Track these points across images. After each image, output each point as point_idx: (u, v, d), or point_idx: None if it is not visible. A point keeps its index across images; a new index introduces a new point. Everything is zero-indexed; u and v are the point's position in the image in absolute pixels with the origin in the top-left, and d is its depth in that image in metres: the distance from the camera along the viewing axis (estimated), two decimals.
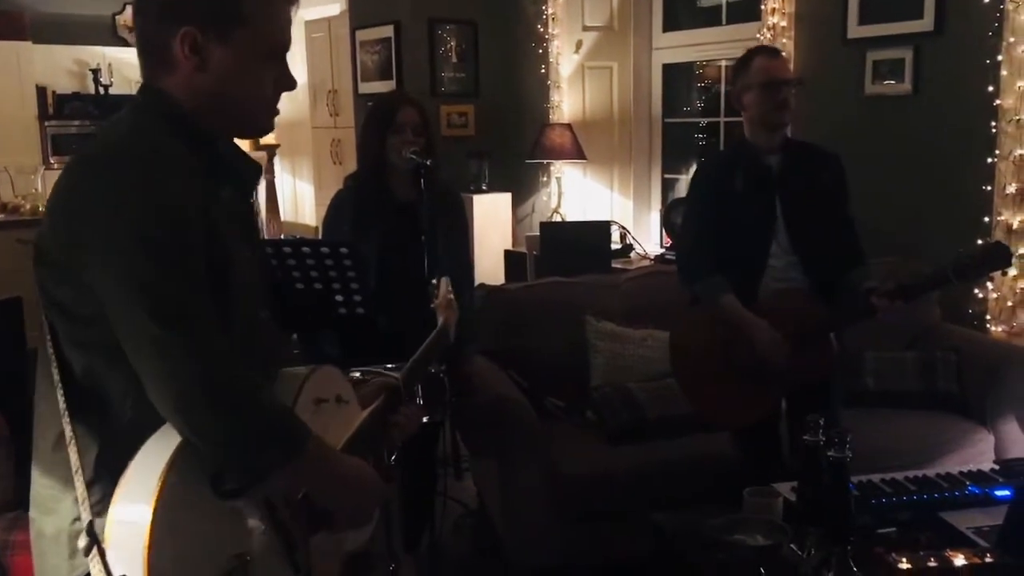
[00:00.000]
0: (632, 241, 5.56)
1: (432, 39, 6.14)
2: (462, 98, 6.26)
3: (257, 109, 1.49)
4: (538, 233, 5.41)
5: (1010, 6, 3.60)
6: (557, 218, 5.81)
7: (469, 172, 6.05)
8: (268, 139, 8.10)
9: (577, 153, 5.66)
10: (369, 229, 2.96)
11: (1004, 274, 3.57)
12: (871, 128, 4.22)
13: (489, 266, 5.74)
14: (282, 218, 8.52)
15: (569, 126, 5.73)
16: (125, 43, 7.95)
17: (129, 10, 7.51)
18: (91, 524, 1.33)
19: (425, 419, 1.86)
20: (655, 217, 5.92)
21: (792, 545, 2.01)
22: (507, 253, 5.97)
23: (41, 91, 7.87)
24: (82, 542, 1.33)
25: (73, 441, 1.36)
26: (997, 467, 2.51)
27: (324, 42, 7.42)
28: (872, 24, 4.16)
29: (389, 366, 1.81)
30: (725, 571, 2.01)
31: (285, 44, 1.49)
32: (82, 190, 1.34)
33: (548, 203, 6.04)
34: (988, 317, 3.78)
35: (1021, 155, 3.63)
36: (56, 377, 1.38)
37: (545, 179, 6.07)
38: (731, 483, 2.42)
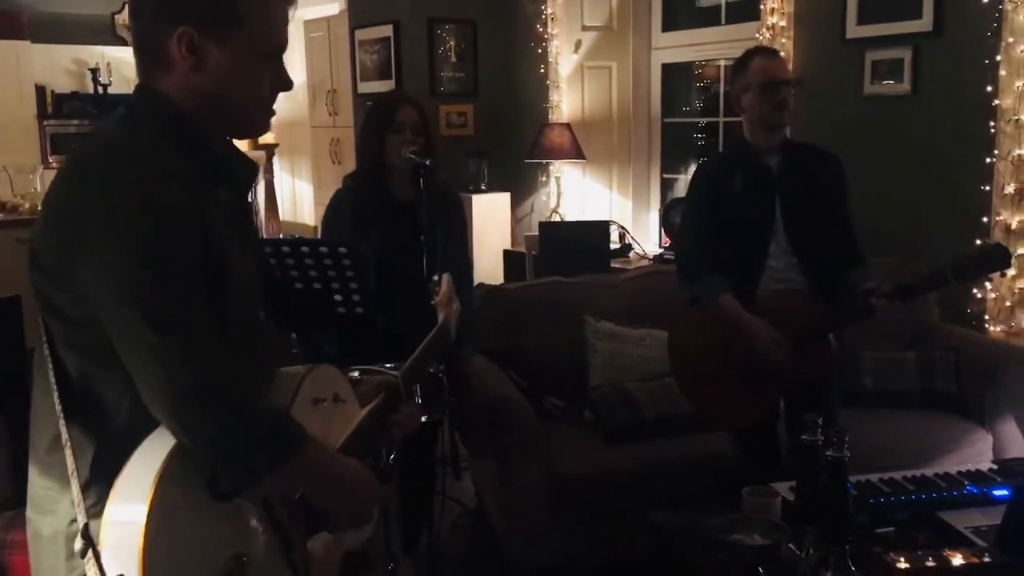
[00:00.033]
0: (631, 241, 5.56)
1: (431, 39, 6.14)
2: (461, 98, 6.26)
3: (254, 109, 1.48)
4: (537, 233, 5.41)
5: (1009, 6, 3.60)
6: (556, 218, 5.82)
7: (468, 172, 6.05)
8: (267, 138, 8.10)
9: (576, 153, 5.66)
10: (368, 229, 2.96)
11: (1003, 275, 3.57)
12: (870, 128, 4.22)
13: (488, 266, 5.74)
14: (281, 218, 8.52)
15: (568, 126, 5.73)
16: (124, 42, 7.95)
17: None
18: (86, 527, 1.33)
19: (424, 419, 1.85)
20: (654, 217, 5.92)
21: (790, 545, 2.01)
22: (506, 253, 5.97)
23: (40, 90, 7.87)
24: (78, 545, 1.32)
25: (68, 444, 1.36)
26: (995, 467, 2.52)
27: (323, 41, 7.42)
28: (871, 24, 4.16)
29: (388, 366, 1.80)
30: (724, 571, 2.01)
31: (282, 44, 1.48)
32: (75, 193, 1.33)
33: (547, 203, 6.04)
34: (987, 317, 3.78)
35: (1019, 155, 3.63)
36: (52, 379, 1.38)
37: (544, 179, 6.08)
38: (730, 483, 2.42)
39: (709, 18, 5.56)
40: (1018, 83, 3.61)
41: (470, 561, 3.57)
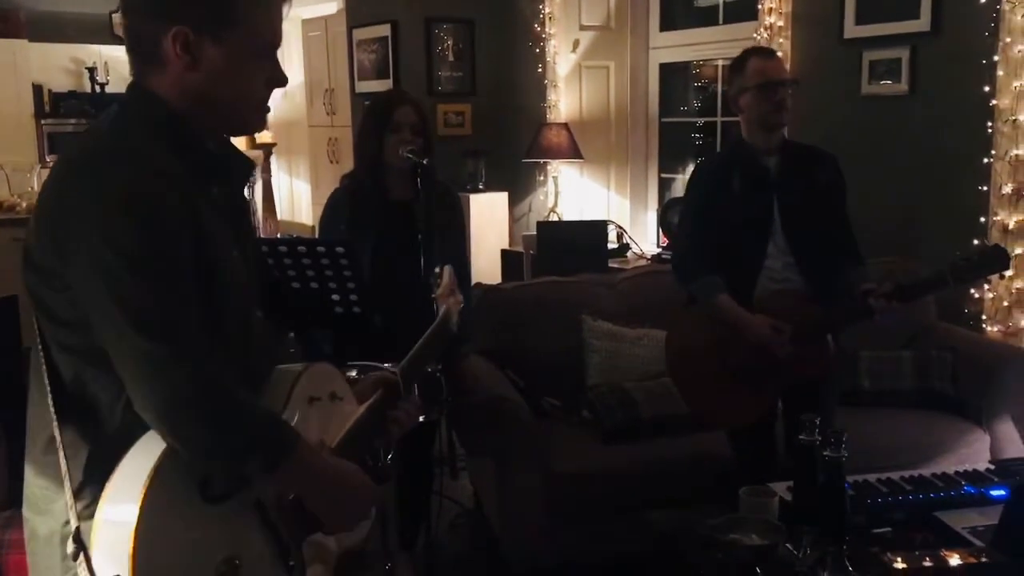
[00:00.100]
0: (629, 240, 5.57)
1: (429, 38, 6.14)
2: (459, 97, 6.26)
3: (247, 108, 1.47)
4: (535, 232, 5.41)
5: (1006, 6, 3.60)
6: (554, 217, 5.81)
7: (466, 171, 6.05)
8: (265, 138, 8.09)
9: (574, 152, 5.66)
10: (366, 228, 2.96)
11: (1001, 276, 3.57)
12: (868, 128, 4.22)
13: (486, 265, 5.74)
14: (279, 217, 8.52)
15: (566, 125, 5.73)
16: (122, 41, 7.87)
17: None
18: (78, 530, 1.33)
19: (421, 418, 1.84)
20: (652, 216, 5.92)
21: (788, 545, 2.01)
22: (504, 252, 5.97)
23: (37, 89, 7.87)
24: (70, 548, 1.32)
25: (61, 446, 1.36)
26: (992, 467, 2.52)
27: (321, 41, 7.41)
28: (869, 24, 4.16)
29: (386, 365, 1.80)
30: (721, 570, 2.01)
31: (277, 42, 1.47)
32: (67, 193, 1.33)
33: (545, 202, 6.03)
34: (984, 317, 3.78)
35: (1017, 155, 3.63)
36: (45, 381, 1.37)
37: (542, 178, 6.07)
38: (727, 482, 2.42)
39: (707, 18, 5.56)
40: (1015, 83, 3.61)
41: (467, 560, 3.57)
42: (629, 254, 5.47)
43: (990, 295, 3.75)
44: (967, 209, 3.80)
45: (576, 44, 5.85)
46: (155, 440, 1.30)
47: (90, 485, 1.35)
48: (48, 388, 1.37)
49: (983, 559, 1.95)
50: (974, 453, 3.28)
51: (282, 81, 1.49)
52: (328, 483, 1.46)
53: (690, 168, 5.60)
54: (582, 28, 5.84)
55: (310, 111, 7.76)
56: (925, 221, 4.03)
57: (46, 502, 1.40)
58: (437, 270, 2.18)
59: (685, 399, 3.05)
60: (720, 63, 5.41)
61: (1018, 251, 3.62)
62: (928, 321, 3.81)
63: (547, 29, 5.84)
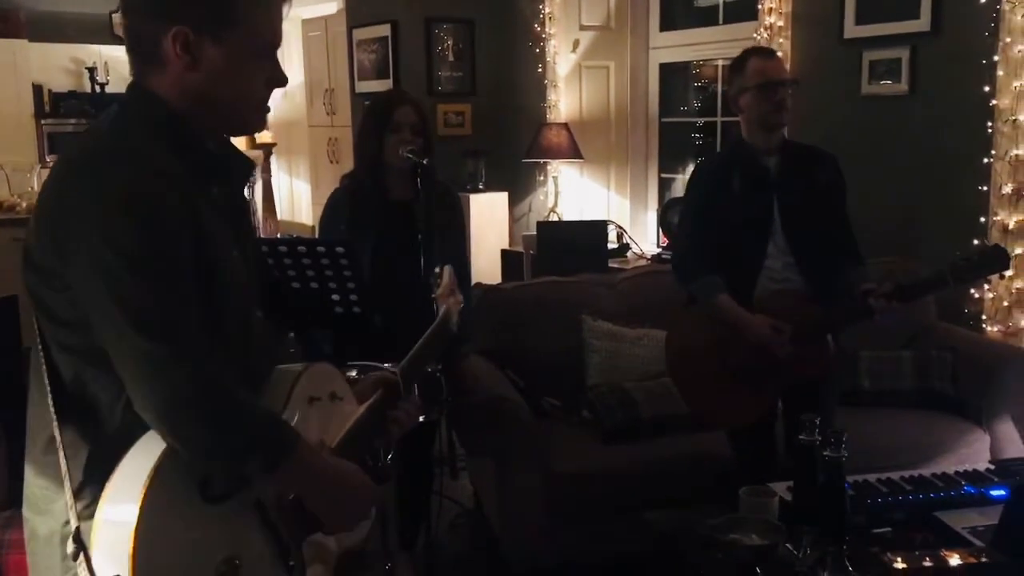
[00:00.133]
0: (629, 240, 5.57)
1: (429, 38, 6.14)
2: (459, 97, 6.26)
3: (247, 108, 1.47)
4: (535, 232, 5.41)
5: (1006, 6, 3.60)
6: (554, 217, 5.81)
7: (465, 171, 6.05)
8: (265, 138, 8.10)
9: (574, 152, 5.66)
10: (366, 228, 2.96)
11: (1001, 276, 3.57)
12: (868, 128, 4.22)
13: (486, 265, 5.74)
14: (279, 217, 8.52)
15: (566, 125, 5.73)
16: (122, 41, 7.91)
17: None
18: (78, 530, 1.33)
19: (421, 418, 1.84)
20: (652, 216, 5.92)
21: (788, 545, 2.01)
22: (504, 252, 5.97)
23: (37, 89, 7.87)
24: (70, 548, 1.32)
25: (61, 446, 1.36)
26: (993, 467, 2.52)
27: (321, 41, 7.41)
28: (869, 24, 4.16)
29: (386, 365, 1.80)
30: (721, 570, 2.01)
31: (277, 42, 1.47)
32: (67, 193, 1.33)
33: (545, 202, 6.03)
34: (984, 317, 3.78)
35: (1017, 155, 3.63)
36: (45, 381, 1.37)
37: (542, 178, 6.07)
38: (727, 482, 2.42)
39: (707, 18, 5.56)
40: (1015, 83, 3.61)
41: (468, 560, 3.57)
42: (629, 254, 5.47)
43: (990, 295, 3.75)
44: (967, 209, 3.80)
45: (576, 44, 5.85)
46: (155, 440, 1.30)
47: (90, 485, 1.35)
48: (48, 388, 1.37)
49: (983, 559, 1.95)
50: (974, 453, 3.28)
51: (282, 81, 1.49)
52: (328, 483, 1.46)
53: (690, 168, 5.60)
54: (582, 28, 5.84)
55: (310, 111, 7.76)
56: (925, 221, 4.03)
57: (46, 502, 1.40)
58: (437, 270, 2.18)
59: (685, 399, 3.05)
60: (720, 63, 5.41)
61: (1018, 251, 3.62)
62: (928, 321, 3.81)
63: (547, 29, 5.84)
